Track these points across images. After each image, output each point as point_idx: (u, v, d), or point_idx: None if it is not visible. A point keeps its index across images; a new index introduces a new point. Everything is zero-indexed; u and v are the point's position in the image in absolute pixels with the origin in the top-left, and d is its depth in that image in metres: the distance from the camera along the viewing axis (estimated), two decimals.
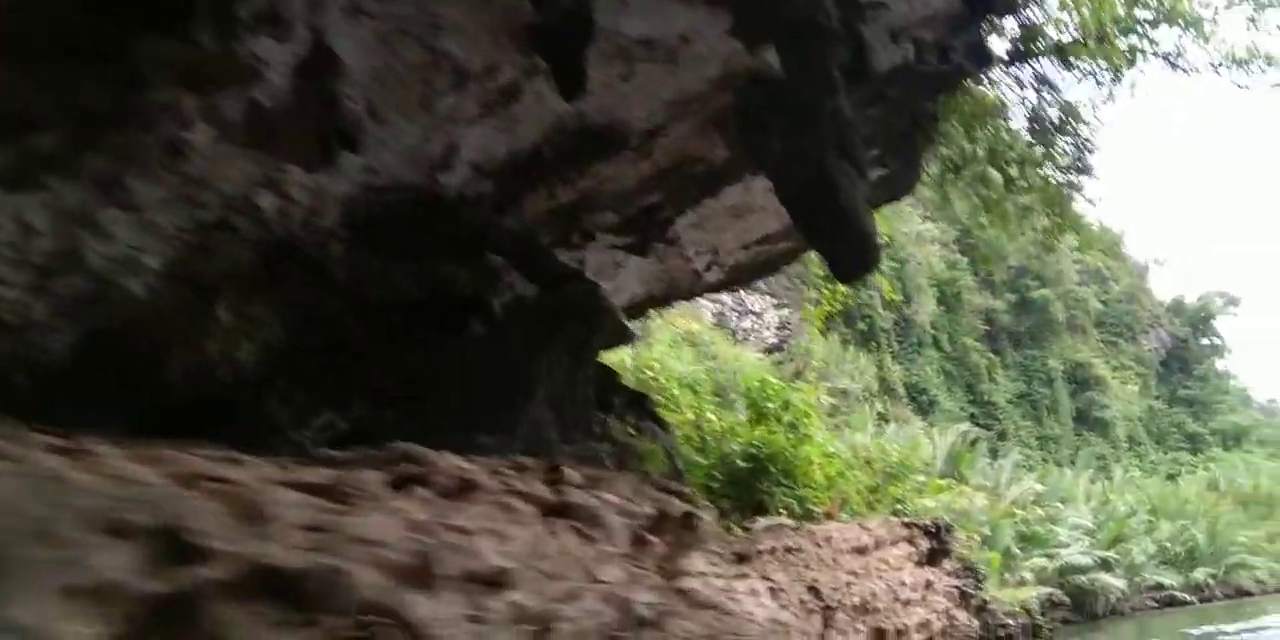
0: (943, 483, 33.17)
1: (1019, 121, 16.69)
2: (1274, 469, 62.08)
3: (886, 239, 55.36)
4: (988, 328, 64.93)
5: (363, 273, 7.05)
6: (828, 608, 6.32)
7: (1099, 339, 76.21)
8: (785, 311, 47.80)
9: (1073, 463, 56.08)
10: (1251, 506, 55.85)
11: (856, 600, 6.85)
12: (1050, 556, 34.02)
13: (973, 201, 18.94)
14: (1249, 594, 50.70)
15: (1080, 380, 70.39)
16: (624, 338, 8.67)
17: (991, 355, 64.92)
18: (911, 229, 54.65)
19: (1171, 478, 59.83)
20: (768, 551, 6.25)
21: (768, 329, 46.84)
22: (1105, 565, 36.95)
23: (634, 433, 7.40)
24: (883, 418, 42.42)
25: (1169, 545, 47.42)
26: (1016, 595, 14.85)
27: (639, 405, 8.24)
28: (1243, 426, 79.15)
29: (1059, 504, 38.05)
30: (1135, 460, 69.09)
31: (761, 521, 7.44)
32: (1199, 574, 47.65)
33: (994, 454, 47.22)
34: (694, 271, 9.52)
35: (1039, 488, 37.44)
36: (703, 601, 5.12)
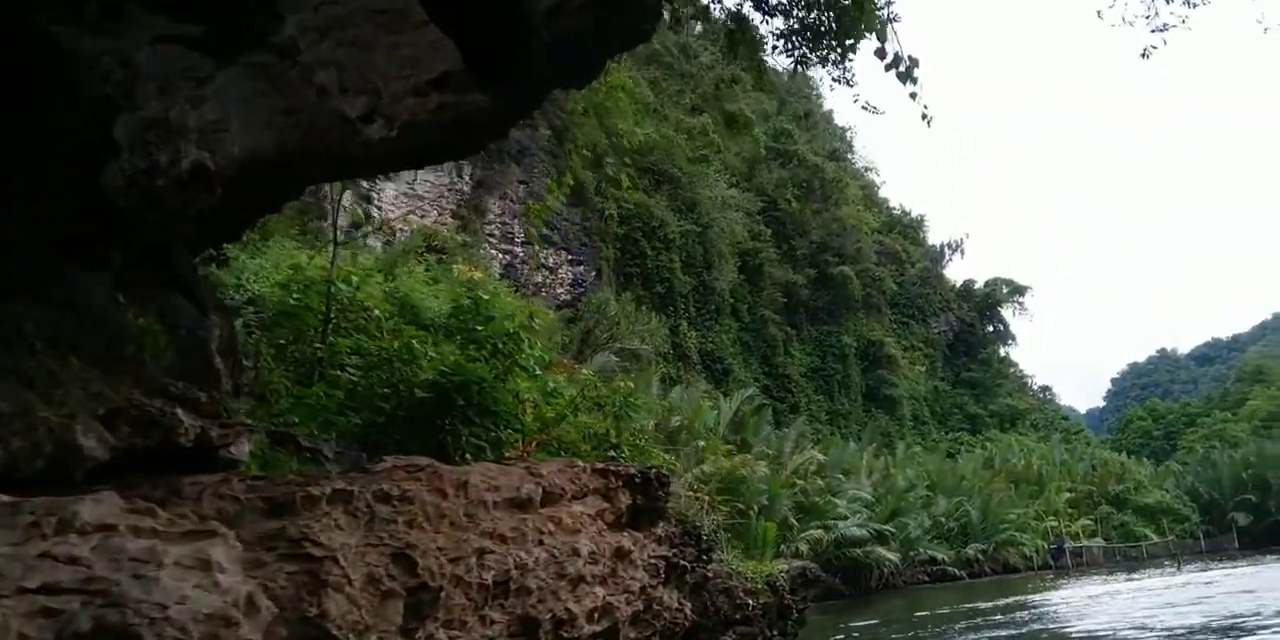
0: (725, 447, 31.46)
1: None
2: (1045, 450, 63.58)
3: (690, 201, 53.81)
4: (787, 301, 64.12)
5: None
6: (426, 586, 3.64)
7: (892, 319, 76.79)
8: (580, 268, 45.43)
9: (859, 438, 55.85)
10: (1023, 485, 56.71)
11: (491, 576, 4.19)
12: (828, 528, 32.75)
13: None
14: (1016, 570, 51.36)
15: (872, 358, 70.58)
16: None
17: (789, 328, 64.21)
18: (717, 194, 52.94)
19: (951, 456, 60.33)
20: (329, 498, 3.54)
21: (561, 285, 44.44)
22: (881, 538, 36.03)
23: (129, 304, 4.70)
24: (672, 381, 40.57)
25: (944, 520, 47.33)
26: (762, 570, 12.69)
27: (167, 266, 5.47)
28: (1019, 410, 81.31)
29: (840, 476, 36.89)
30: (919, 438, 69.81)
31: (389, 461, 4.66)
32: (970, 550, 47.76)
33: (783, 426, 46.25)
34: (342, 116, 6.69)
35: (821, 457, 36.17)
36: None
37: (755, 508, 30.76)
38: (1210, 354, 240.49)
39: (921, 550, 39.75)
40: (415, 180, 37.87)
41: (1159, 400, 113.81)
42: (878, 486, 41.52)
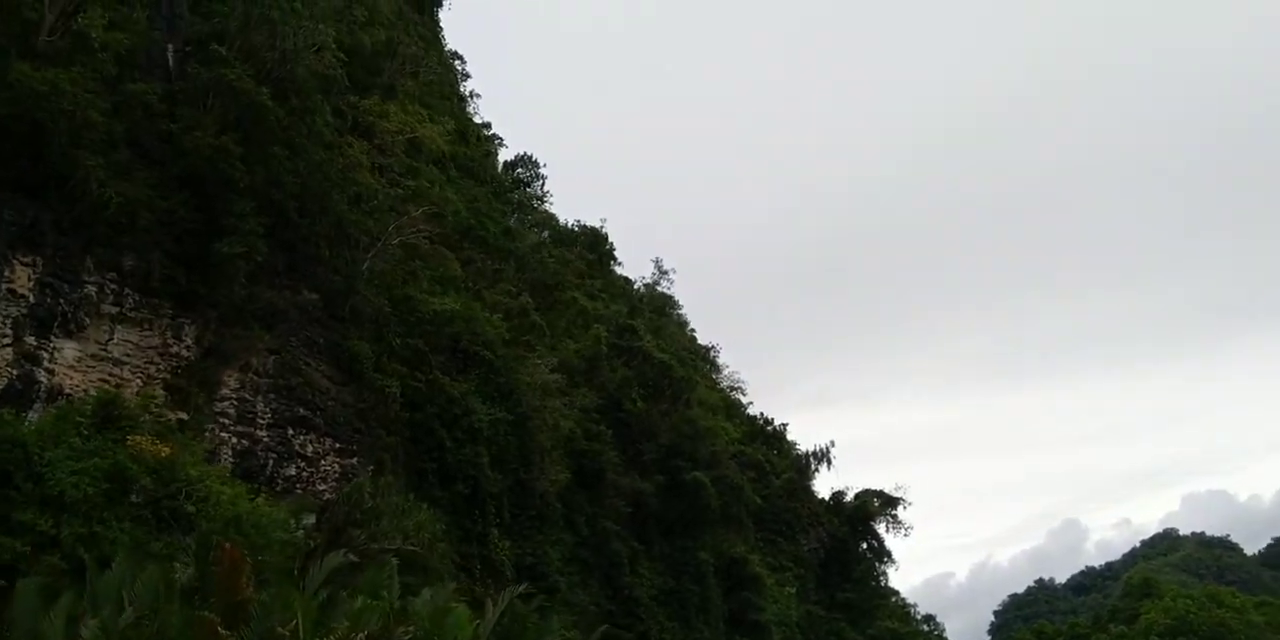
0: None
1: None
2: None
3: (505, 388, 44.61)
4: (634, 512, 54.10)
5: None
6: None
7: (758, 536, 66.99)
8: (354, 461, 35.34)
9: None
10: None
11: None
12: None
13: None
14: None
15: (735, 578, 60.19)
16: None
17: (637, 544, 53.87)
18: (538, 380, 43.92)
19: None
20: None
21: (325, 480, 34.18)
22: None
23: None
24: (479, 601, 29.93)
25: None
26: None
27: None
28: (901, 634, 70.77)
29: None
30: None
31: None
32: None
33: None
34: None
35: None
36: None
37: None
38: (1086, 582, 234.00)
39: None
40: (111, 339, 28.23)
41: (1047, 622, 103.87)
42: None
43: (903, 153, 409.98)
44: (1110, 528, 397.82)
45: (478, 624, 23.38)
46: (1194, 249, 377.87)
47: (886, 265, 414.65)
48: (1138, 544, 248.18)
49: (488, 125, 67.20)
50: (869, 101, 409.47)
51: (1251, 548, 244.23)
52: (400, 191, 41.22)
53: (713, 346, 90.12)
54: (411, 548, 29.41)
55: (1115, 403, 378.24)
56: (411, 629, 21.13)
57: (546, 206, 66.69)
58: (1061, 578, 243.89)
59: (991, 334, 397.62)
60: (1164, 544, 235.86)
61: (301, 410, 33.60)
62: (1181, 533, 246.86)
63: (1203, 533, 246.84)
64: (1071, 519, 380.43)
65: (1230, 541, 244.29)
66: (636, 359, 57.62)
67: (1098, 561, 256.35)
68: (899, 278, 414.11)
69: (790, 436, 79.17)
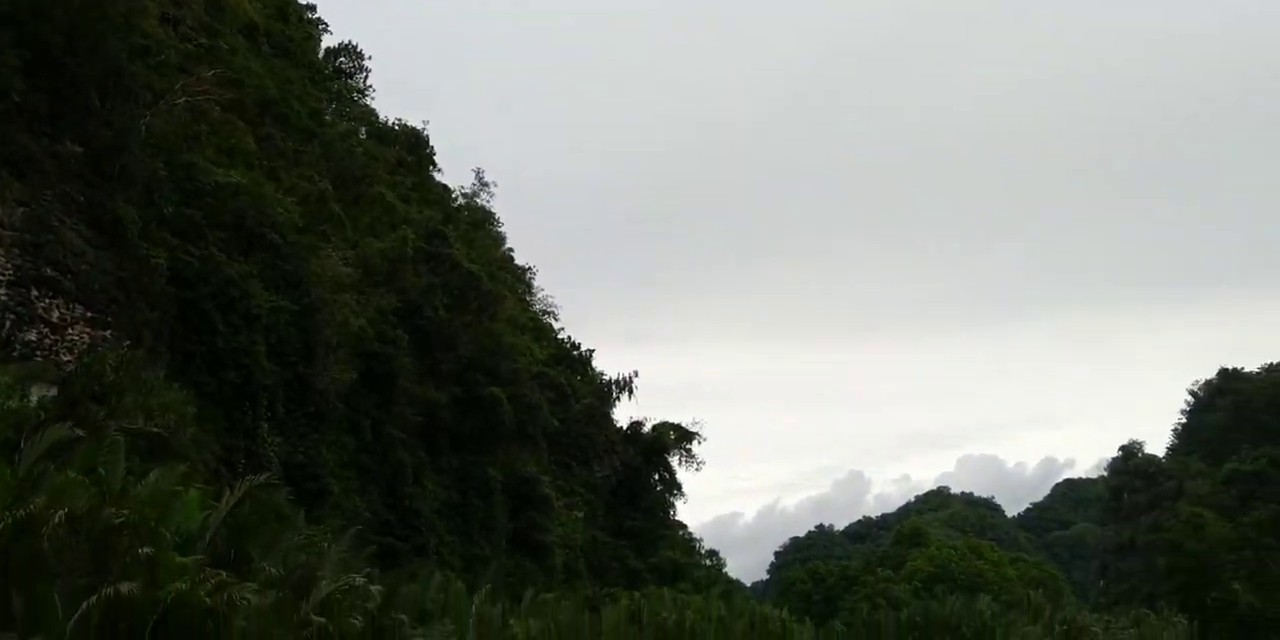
0: (187, 560, 18.81)
1: None
2: (700, 604, 53.11)
3: (293, 277, 41.53)
4: (425, 422, 51.86)
5: None
6: None
7: (552, 458, 65.85)
8: (107, 333, 31.89)
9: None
10: None
11: None
12: None
13: None
14: None
15: (524, 498, 58.80)
16: None
17: (424, 455, 51.76)
18: (328, 270, 40.98)
19: (595, 609, 48.59)
20: None
21: (70, 351, 30.70)
22: None
23: None
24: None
25: None
26: None
27: None
28: (681, 565, 71.23)
29: (406, 618, 24.32)
30: (570, 593, 57.89)
31: None
32: None
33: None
34: None
35: (377, 589, 23.62)
36: None
37: None
38: (862, 531, 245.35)
39: None
40: None
41: (821, 563, 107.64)
42: (486, 637, 29.20)
43: (759, 101, 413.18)
44: (891, 482, 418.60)
45: (209, 513, 21.07)
46: (1009, 233, 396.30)
47: (720, 213, 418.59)
48: (913, 499, 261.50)
49: (312, 8, 62.46)
50: (735, 48, 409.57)
51: (1012, 511, 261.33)
52: (193, 49, 37.26)
53: (530, 268, 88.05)
54: (155, 429, 26.67)
55: (908, 368, 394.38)
56: (126, 511, 18.70)
57: (368, 101, 62.80)
58: (841, 525, 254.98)
59: (808, 292, 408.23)
60: (936, 501, 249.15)
61: (49, 271, 29.86)
62: (953, 491, 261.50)
63: (971, 493, 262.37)
64: (856, 471, 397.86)
65: (995, 503, 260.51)
66: (444, 266, 54.98)
67: (876, 512, 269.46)
68: (731, 226, 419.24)
69: (597, 366, 78.23)
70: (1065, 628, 73.34)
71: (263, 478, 22.24)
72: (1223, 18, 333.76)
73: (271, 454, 37.32)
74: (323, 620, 20.07)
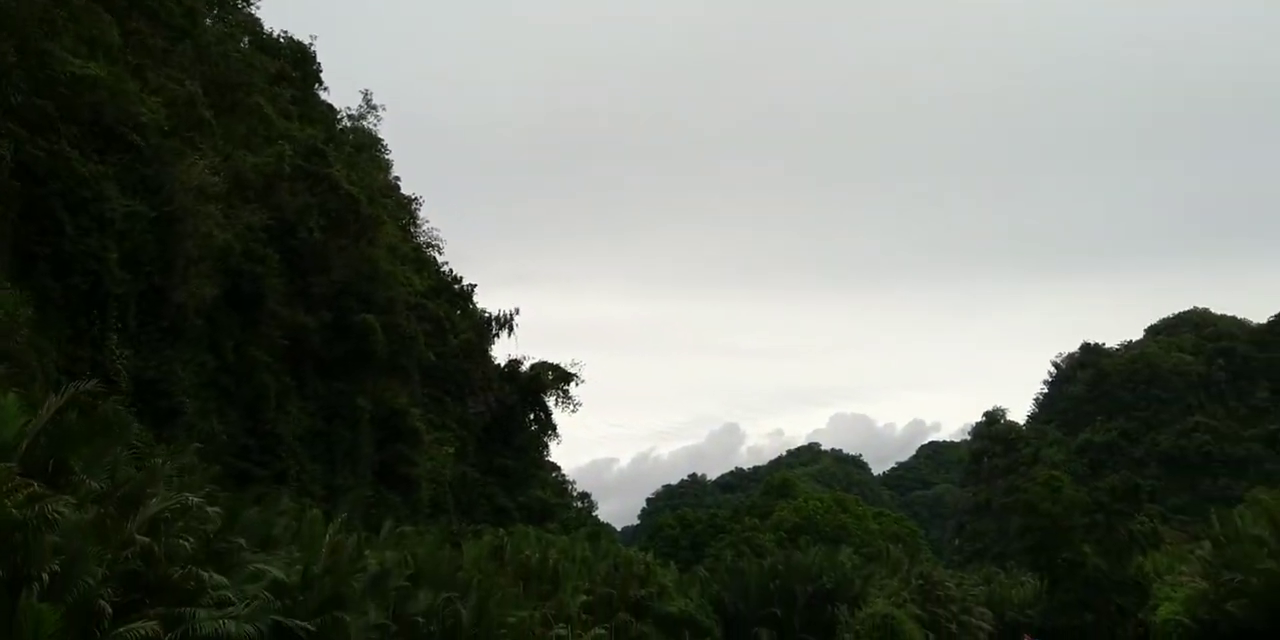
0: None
1: None
2: (565, 544, 52.61)
3: (154, 182, 38.87)
4: (291, 346, 49.70)
5: None
6: None
7: (425, 392, 64.25)
8: None
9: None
10: (534, 583, 45.05)
11: None
12: (179, 619, 18.69)
13: None
14: None
15: (392, 429, 57.18)
16: None
17: (289, 379, 49.68)
18: (194, 178, 38.45)
19: (455, 544, 47.63)
20: None
21: None
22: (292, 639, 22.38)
23: None
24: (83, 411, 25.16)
25: (422, 620, 34.32)
26: None
27: None
28: (550, 505, 70.76)
29: (244, 543, 22.83)
30: (433, 527, 56.79)
31: None
32: None
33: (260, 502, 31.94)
34: None
35: (214, 510, 22.06)
36: None
37: (47, 575, 16.73)
38: (734, 482, 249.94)
39: None
40: None
41: (690, 510, 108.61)
42: (325, 568, 27.81)
43: (666, 45, 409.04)
44: (765, 436, 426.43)
45: (28, 420, 19.22)
46: (894, 199, 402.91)
47: (619, 159, 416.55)
48: (785, 453, 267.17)
49: None
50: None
51: (879, 469, 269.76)
52: None
53: (416, 198, 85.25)
54: None
55: (789, 326, 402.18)
56: None
57: (252, 10, 59.11)
58: (714, 475, 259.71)
59: (699, 244, 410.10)
60: (807, 455, 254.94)
61: None
62: (824, 447, 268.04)
63: (841, 450, 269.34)
64: (732, 423, 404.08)
65: (862, 461, 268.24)
66: (322, 187, 52.45)
67: (748, 464, 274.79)
68: (629, 174, 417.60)
69: (479, 302, 76.48)
70: (921, 582, 75.38)
71: (90, 383, 20.29)
72: None
73: (120, 367, 35.01)
74: (147, 540, 18.54)
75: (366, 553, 33.54)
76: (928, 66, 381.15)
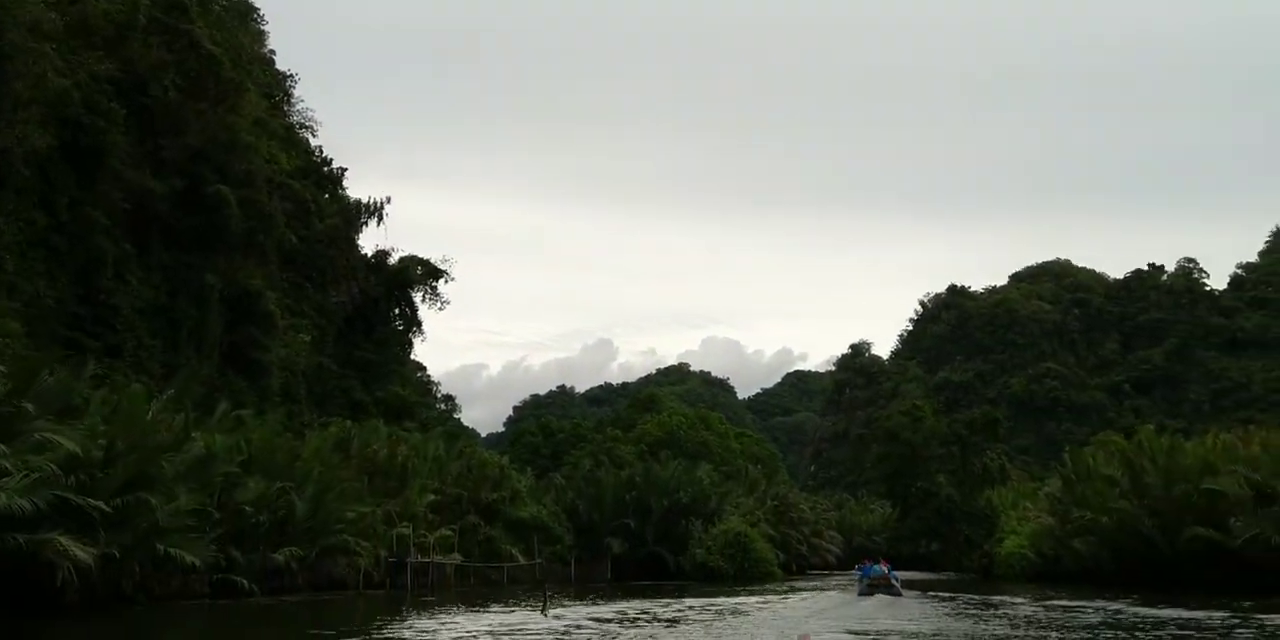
0: None
1: None
2: (418, 441, 50.24)
3: None
4: (134, 210, 45.50)
5: None
6: None
7: (285, 277, 60.40)
8: None
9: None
10: (380, 479, 42.79)
11: None
12: None
13: None
14: (342, 586, 36.84)
15: (244, 311, 53.47)
16: None
17: (130, 247, 45.61)
18: (27, 13, 33.85)
19: (298, 432, 44.93)
20: None
21: None
22: (84, 521, 19.71)
23: None
24: None
25: (250, 510, 31.82)
26: None
27: None
28: (409, 402, 68.11)
29: (33, 409, 19.87)
30: (285, 420, 53.84)
31: None
32: (281, 555, 32.64)
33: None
34: None
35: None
36: None
37: None
38: (602, 396, 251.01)
39: (164, 547, 23.63)
40: None
41: (553, 419, 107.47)
42: (131, 444, 24.89)
43: None
44: (637, 354, 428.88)
45: None
46: (779, 127, 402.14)
47: (519, 62, 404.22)
48: (655, 371, 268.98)
49: None
50: None
51: (744, 393, 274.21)
52: None
53: (292, 75, 79.49)
54: None
55: (669, 246, 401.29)
56: None
57: None
58: (583, 388, 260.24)
59: (591, 155, 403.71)
60: (676, 375, 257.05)
61: None
62: (693, 369, 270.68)
63: (709, 373, 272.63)
64: (606, 339, 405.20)
65: (730, 384, 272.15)
66: (181, 43, 47.69)
67: (618, 380, 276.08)
68: (529, 78, 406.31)
69: (350, 191, 72.14)
70: (776, 503, 75.99)
71: None
72: None
73: None
74: None
75: (195, 435, 30.74)
76: None
